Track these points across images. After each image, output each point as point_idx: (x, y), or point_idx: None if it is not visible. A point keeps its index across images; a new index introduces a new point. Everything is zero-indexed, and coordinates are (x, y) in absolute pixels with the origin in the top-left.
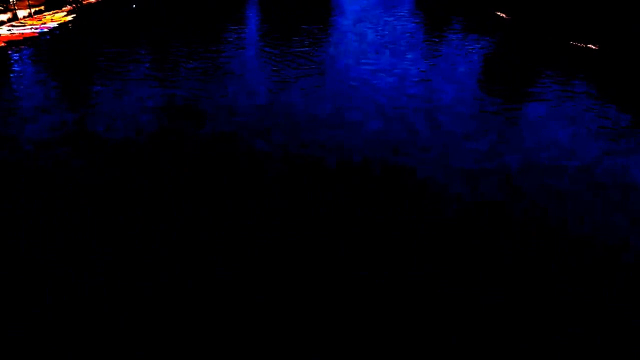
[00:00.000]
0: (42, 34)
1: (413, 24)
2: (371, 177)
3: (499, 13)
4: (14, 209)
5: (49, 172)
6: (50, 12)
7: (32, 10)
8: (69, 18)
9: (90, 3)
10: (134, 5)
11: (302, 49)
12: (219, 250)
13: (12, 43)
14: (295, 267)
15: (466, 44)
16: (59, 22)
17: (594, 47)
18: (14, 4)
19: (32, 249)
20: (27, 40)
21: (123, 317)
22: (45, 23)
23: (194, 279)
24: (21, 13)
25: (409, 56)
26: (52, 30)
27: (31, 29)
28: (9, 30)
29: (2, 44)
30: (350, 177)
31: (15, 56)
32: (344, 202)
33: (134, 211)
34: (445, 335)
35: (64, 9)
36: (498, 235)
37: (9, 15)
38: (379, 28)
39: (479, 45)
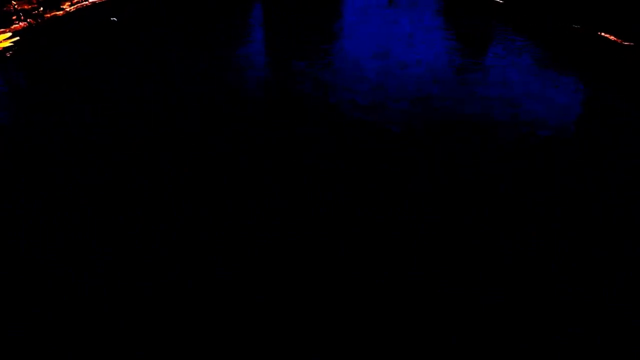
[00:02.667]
0: None
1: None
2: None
3: (606, 35)
4: (14, 209)
5: (48, 172)
6: None
7: None
8: (9, 43)
9: (56, 16)
10: (114, 19)
11: None
12: (219, 250)
13: None
14: (295, 267)
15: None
16: None
17: None
18: None
19: (32, 249)
20: None
21: (123, 317)
22: None
23: (194, 279)
24: None
25: None
26: None
27: None
28: None
29: None
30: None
31: None
32: (344, 202)
33: (134, 211)
34: (445, 335)
35: (13, 26)
36: (498, 235)
37: None
38: None
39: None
